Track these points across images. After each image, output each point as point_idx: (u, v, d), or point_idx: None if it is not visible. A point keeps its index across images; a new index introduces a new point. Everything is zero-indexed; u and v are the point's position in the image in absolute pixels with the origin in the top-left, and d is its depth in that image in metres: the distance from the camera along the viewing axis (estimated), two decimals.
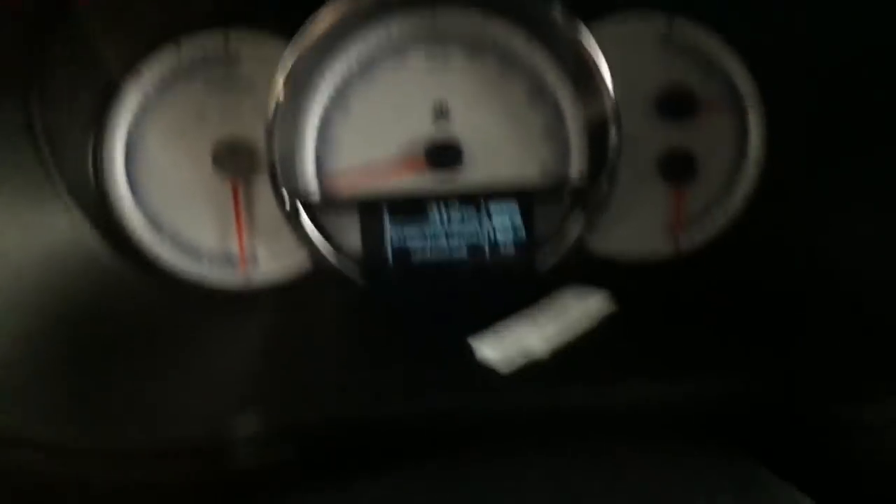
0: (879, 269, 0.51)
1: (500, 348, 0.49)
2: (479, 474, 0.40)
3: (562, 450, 0.40)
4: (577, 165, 0.63)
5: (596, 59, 0.60)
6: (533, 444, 0.42)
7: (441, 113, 0.64)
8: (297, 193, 0.63)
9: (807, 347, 0.47)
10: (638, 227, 0.65)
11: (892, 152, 0.53)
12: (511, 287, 0.62)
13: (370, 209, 0.63)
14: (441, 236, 0.63)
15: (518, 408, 0.45)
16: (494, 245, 0.63)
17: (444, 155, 0.63)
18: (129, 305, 0.57)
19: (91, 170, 0.63)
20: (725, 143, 0.64)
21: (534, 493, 0.37)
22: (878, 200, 0.53)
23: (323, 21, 0.60)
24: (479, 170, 0.64)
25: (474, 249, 0.63)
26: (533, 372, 0.47)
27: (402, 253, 0.63)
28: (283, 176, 0.62)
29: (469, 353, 0.49)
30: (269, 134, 0.60)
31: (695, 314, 0.55)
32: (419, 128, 0.64)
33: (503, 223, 0.63)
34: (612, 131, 0.60)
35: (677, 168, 0.63)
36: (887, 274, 0.50)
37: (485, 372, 0.47)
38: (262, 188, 0.63)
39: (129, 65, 0.63)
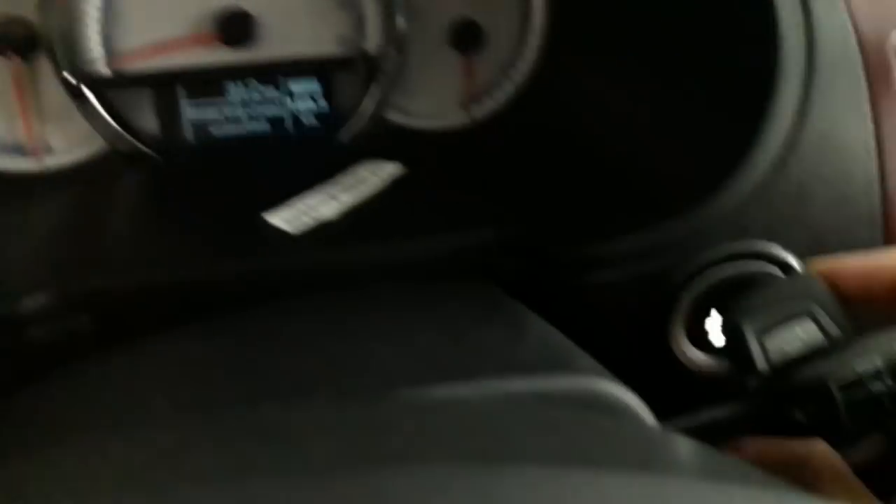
0: (643, 128, 0.56)
1: (292, 216, 0.52)
2: (267, 327, 0.43)
3: (336, 300, 0.44)
4: (372, 36, 0.65)
5: None
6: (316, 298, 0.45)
7: None
8: (83, 72, 0.60)
9: (569, 199, 0.53)
10: (432, 98, 0.67)
11: (675, 24, 0.56)
12: (313, 159, 0.64)
13: (164, 87, 0.62)
14: (240, 112, 0.63)
15: (308, 266, 0.48)
16: (295, 119, 0.64)
17: (236, 28, 0.62)
18: None
19: None
20: (511, 11, 0.67)
21: (309, 340, 0.40)
22: (655, 71, 0.58)
23: None
24: (275, 43, 0.64)
25: (275, 124, 0.64)
26: (323, 232, 0.50)
27: (200, 130, 0.63)
28: (65, 54, 0.59)
29: (264, 221, 0.51)
30: (45, 8, 0.57)
31: (481, 177, 0.59)
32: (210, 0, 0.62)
33: (303, 97, 0.64)
34: (402, 0, 0.62)
35: (467, 38, 0.66)
36: (647, 133, 0.55)
37: (278, 235, 0.50)
38: (49, 68, 0.60)
39: None
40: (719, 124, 0.50)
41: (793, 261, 0.47)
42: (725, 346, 0.44)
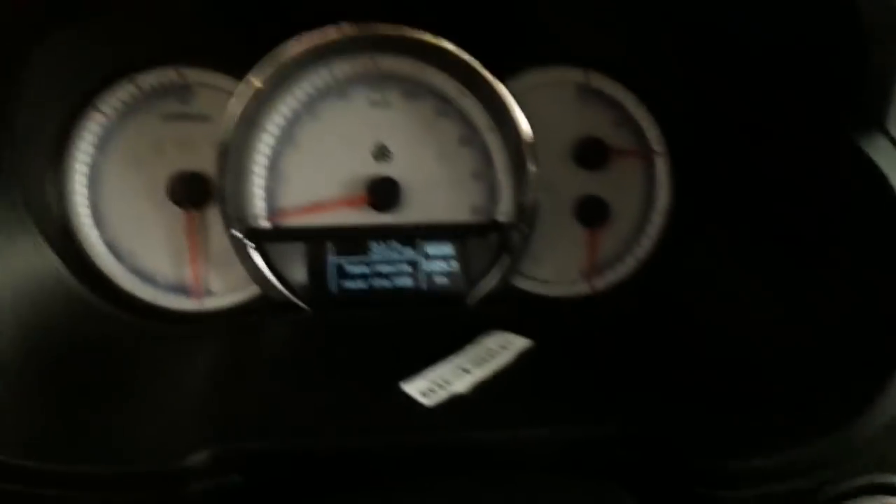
0: (772, 325, 0.57)
1: (427, 387, 0.56)
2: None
3: (468, 483, 0.47)
4: (503, 207, 0.70)
5: (514, 111, 0.67)
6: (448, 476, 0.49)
7: (382, 153, 0.70)
8: (247, 225, 0.68)
9: (697, 397, 0.53)
10: (557, 267, 0.72)
11: (794, 209, 0.59)
12: (443, 316, 0.68)
13: (316, 243, 0.69)
14: (380, 269, 0.69)
15: (443, 444, 0.51)
16: (428, 278, 0.70)
17: (384, 194, 0.69)
18: (91, 332, 0.62)
19: (54, 200, 0.66)
20: (636, 190, 0.72)
21: None
22: (780, 255, 0.60)
23: (274, 61, 0.65)
24: (415, 207, 0.70)
25: (412, 281, 0.70)
26: (456, 408, 0.54)
27: (344, 284, 0.69)
28: (232, 208, 0.67)
29: (401, 390, 0.56)
30: (221, 168, 0.66)
31: (603, 355, 0.61)
32: (361, 166, 0.69)
33: (437, 259, 0.69)
34: (533, 176, 0.67)
35: (592, 213, 0.70)
36: (779, 332, 0.56)
37: (415, 407, 0.54)
38: (215, 218, 0.68)
39: (88, 99, 0.67)
40: (856, 336, 0.50)
41: None
42: None
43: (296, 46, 0.65)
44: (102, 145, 0.67)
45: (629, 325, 0.66)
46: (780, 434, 0.48)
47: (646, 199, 0.72)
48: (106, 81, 0.67)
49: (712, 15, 0.64)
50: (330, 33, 0.65)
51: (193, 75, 0.68)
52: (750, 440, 0.48)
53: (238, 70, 0.66)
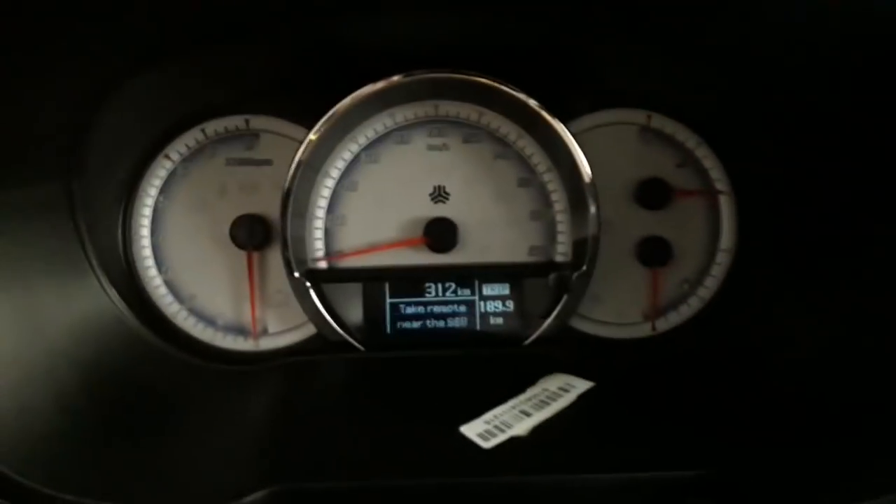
0: (841, 365, 0.55)
1: (485, 429, 0.54)
2: None
3: None
4: (562, 247, 0.69)
5: (575, 152, 0.66)
6: None
7: (440, 195, 0.70)
8: (306, 266, 0.69)
9: (769, 440, 0.51)
10: (618, 308, 0.70)
11: (862, 249, 0.57)
12: (499, 357, 0.67)
13: (373, 283, 0.69)
14: (436, 310, 0.69)
15: (499, 486, 0.50)
16: (484, 318, 0.69)
17: (441, 235, 0.69)
18: (151, 372, 0.63)
19: (119, 240, 0.68)
20: (699, 230, 0.70)
21: None
22: (848, 296, 0.58)
23: (337, 110, 0.66)
24: (472, 247, 0.70)
25: (467, 322, 0.69)
26: (514, 451, 0.52)
27: (400, 325, 0.69)
28: (293, 249, 0.67)
29: (459, 432, 0.54)
30: (283, 214, 0.66)
31: (666, 398, 0.59)
32: (419, 208, 0.70)
33: (493, 299, 0.68)
34: (593, 216, 0.66)
35: (654, 253, 0.69)
36: (850, 373, 0.54)
37: (472, 449, 0.52)
38: (273, 259, 0.69)
39: (159, 144, 0.69)
40: None
41: None
42: None
43: (357, 95, 0.66)
44: (166, 189, 0.69)
45: (694, 366, 0.63)
46: (858, 481, 0.45)
47: (710, 238, 0.70)
48: (176, 129, 0.69)
49: (772, 55, 0.63)
50: (389, 82, 0.66)
51: (259, 122, 0.70)
52: (828, 487, 0.45)
53: (302, 117, 0.68)
